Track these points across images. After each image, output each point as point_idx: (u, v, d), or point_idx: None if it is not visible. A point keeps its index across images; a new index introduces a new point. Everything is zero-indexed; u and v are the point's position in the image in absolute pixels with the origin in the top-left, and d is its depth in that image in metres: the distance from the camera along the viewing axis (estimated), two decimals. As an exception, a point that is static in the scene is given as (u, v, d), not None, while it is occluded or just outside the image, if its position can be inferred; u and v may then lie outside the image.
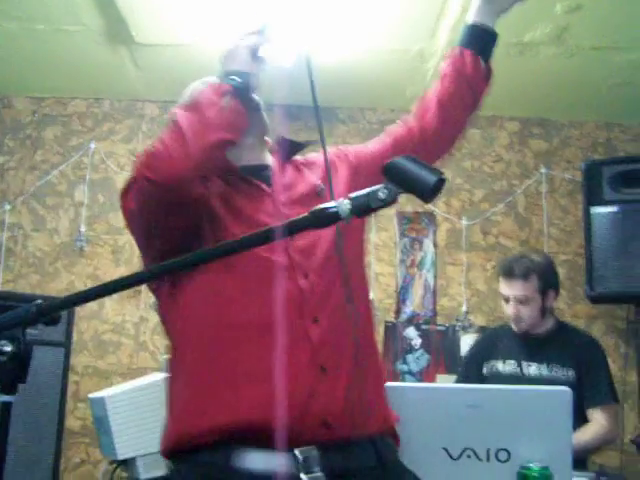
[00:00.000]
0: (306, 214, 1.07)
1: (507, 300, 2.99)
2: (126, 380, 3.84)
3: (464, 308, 4.11)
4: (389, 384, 1.81)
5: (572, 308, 4.10)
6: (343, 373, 1.51)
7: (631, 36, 3.44)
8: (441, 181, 1.01)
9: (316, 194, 1.68)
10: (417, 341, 4.08)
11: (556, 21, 3.30)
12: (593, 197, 3.72)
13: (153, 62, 3.85)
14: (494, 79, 1.84)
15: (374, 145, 1.83)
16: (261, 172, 1.68)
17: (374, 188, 1.02)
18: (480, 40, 1.80)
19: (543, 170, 4.29)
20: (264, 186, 1.65)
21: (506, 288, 2.99)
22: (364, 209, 1.02)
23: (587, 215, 3.73)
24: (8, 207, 4.22)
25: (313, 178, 1.72)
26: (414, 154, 1.73)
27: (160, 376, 2.28)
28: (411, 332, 4.09)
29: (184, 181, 1.47)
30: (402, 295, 4.16)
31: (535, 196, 4.29)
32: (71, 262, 4.19)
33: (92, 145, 4.29)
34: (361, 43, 3.60)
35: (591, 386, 2.84)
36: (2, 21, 3.50)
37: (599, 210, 3.69)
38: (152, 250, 1.59)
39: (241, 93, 1.52)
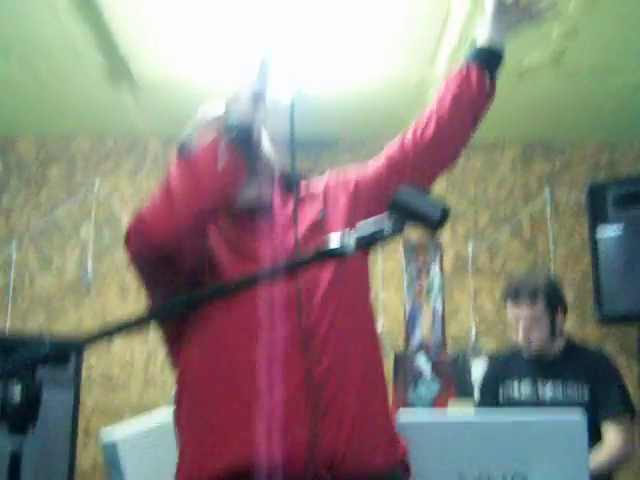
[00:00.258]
0: (311, 252, 1.06)
1: (516, 323, 2.97)
2: (136, 416, 3.82)
3: (474, 334, 4.09)
4: (402, 415, 1.80)
5: (582, 330, 4.07)
6: (347, 412, 1.48)
7: (628, 58, 3.46)
8: (445, 212, 1.01)
9: (317, 225, 1.66)
10: (427, 369, 4.06)
11: (553, 45, 3.32)
12: (598, 218, 3.73)
13: (154, 99, 3.88)
14: (495, 104, 1.83)
15: (371, 167, 1.81)
16: (262, 208, 1.66)
17: (379, 222, 1.02)
18: (487, 57, 1.80)
19: (547, 193, 4.29)
20: (265, 222, 1.64)
21: (514, 311, 2.97)
22: (369, 243, 1.02)
23: (593, 236, 3.74)
24: (14, 247, 4.23)
25: (313, 209, 1.70)
26: (409, 172, 1.72)
27: (170, 412, 2.26)
28: (421, 360, 4.07)
29: (171, 247, 1.45)
30: (411, 323, 4.14)
31: (540, 219, 4.28)
32: (78, 300, 4.19)
33: (96, 183, 4.31)
34: (362, 74, 3.62)
35: (603, 399, 2.82)
36: (4, 65, 3.54)
37: (604, 231, 3.70)
38: (155, 294, 1.60)
39: (241, 145, 1.49)
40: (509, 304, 2.99)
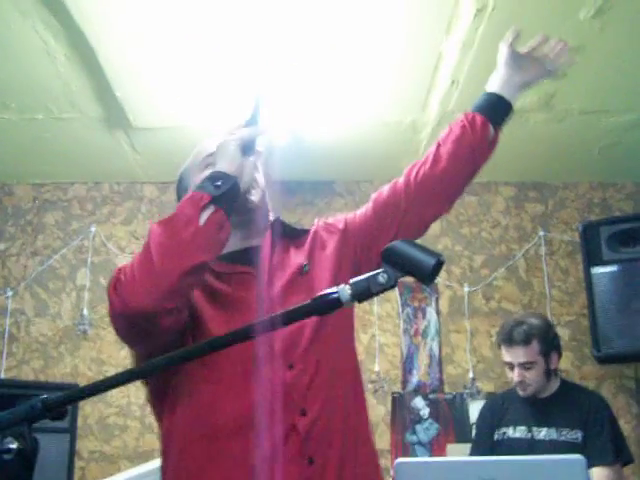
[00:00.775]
0: (307, 301, 1.05)
1: (511, 367, 3.00)
2: (133, 464, 3.79)
3: (471, 375, 4.08)
4: (401, 460, 1.79)
5: (580, 370, 4.07)
6: (332, 464, 1.44)
7: (617, 99, 3.51)
8: (440, 264, 1.02)
9: (300, 273, 1.60)
10: (425, 411, 4.03)
11: (544, 88, 3.37)
12: (592, 257, 3.74)
13: (150, 145, 3.92)
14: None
15: (361, 211, 1.74)
16: (248, 255, 1.59)
17: (374, 273, 1.02)
18: (493, 108, 1.74)
19: (541, 233, 4.31)
20: (250, 271, 1.57)
21: (508, 355, 3.00)
22: (365, 294, 1.02)
23: (588, 276, 3.74)
24: (10, 293, 4.23)
25: (299, 257, 1.64)
26: (400, 215, 1.66)
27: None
28: (419, 402, 4.05)
29: (151, 314, 1.34)
30: (408, 365, 4.13)
31: (535, 259, 4.30)
32: (75, 346, 4.17)
33: (92, 228, 4.32)
34: (355, 118, 3.66)
35: (593, 445, 2.83)
36: (2, 112, 3.58)
37: (599, 270, 3.70)
38: (136, 350, 1.54)
39: (225, 200, 1.39)
40: (503, 348, 3.02)
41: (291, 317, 1.06)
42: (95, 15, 2.86)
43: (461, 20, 2.92)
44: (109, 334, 4.15)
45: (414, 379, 4.10)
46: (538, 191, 4.44)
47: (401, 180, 1.72)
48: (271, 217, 1.69)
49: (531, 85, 1.83)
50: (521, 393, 2.99)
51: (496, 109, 1.74)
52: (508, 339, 2.98)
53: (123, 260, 4.17)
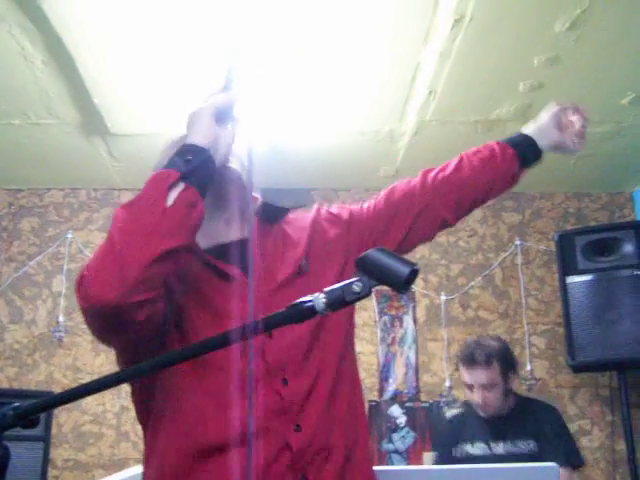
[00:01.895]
0: (282, 310, 1.04)
1: (471, 388, 3.07)
2: (108, 472, 3.75)
3: (447, 383, 4.09)
4: (377, 469, 1.79)
5: (555, 378, 4.10)
6: (328, 478, 1.37)
7: (592, 111, 3.51)
8: (414, 272, 1.02)
9: (297, 273, 1.47)
10: (402, 419, 4.04)
11: (520, 99, 3.40)
12: (568, 267, 3.77)
13: (128, 151, 3.90)
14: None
15: (369, 205, 1.66)
16: (235, 251, 1.43)
17: (348, 282, 1.02)
18: (526, 148, 1.74)
19: (517, 242, 4.34)
20: (237, 272, 1.42)
21: (469, 376, 3.07)
22: (339, 303, 1.02)
23: (563, 285, 3.78)
24: (-15, 300, 4.19)
25: (296, 252, 1.51)
26: (413, 215, 1.61)
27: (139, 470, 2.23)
28: (395, 410, 4.06)
29: (118, 308, 1.19)
30: (384, 373, 4.14)
31: (511, 268, 4.33)
32: (50, 353, 4.14)
33: (69, 235, 4.29)
34: (333, 127, 3.67)
35: (545, 451, 2.92)
36: (-22, 118, 3.56)
37: (574, 279, 3.73)
38: (115, 349, 1.44)
39: (197, 176, 1.25)
40: (464, 369, 3.10)
41: (268, 325, 1.05)
42: (73, 21, 2.84)
43: (439, 30, 2.94)
44: (85, 341, 4.13)
45: (391, 387, 4.11)
46: (515, 201, 4.47)
47: (417, 180, 1.68)
48: (254, 201, 1.51)
49: (559, 149, 1.81)
50: (482, 414, 3.08)
51: (528, 150, 1.75)
52: (470, 360, 3.05)
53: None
